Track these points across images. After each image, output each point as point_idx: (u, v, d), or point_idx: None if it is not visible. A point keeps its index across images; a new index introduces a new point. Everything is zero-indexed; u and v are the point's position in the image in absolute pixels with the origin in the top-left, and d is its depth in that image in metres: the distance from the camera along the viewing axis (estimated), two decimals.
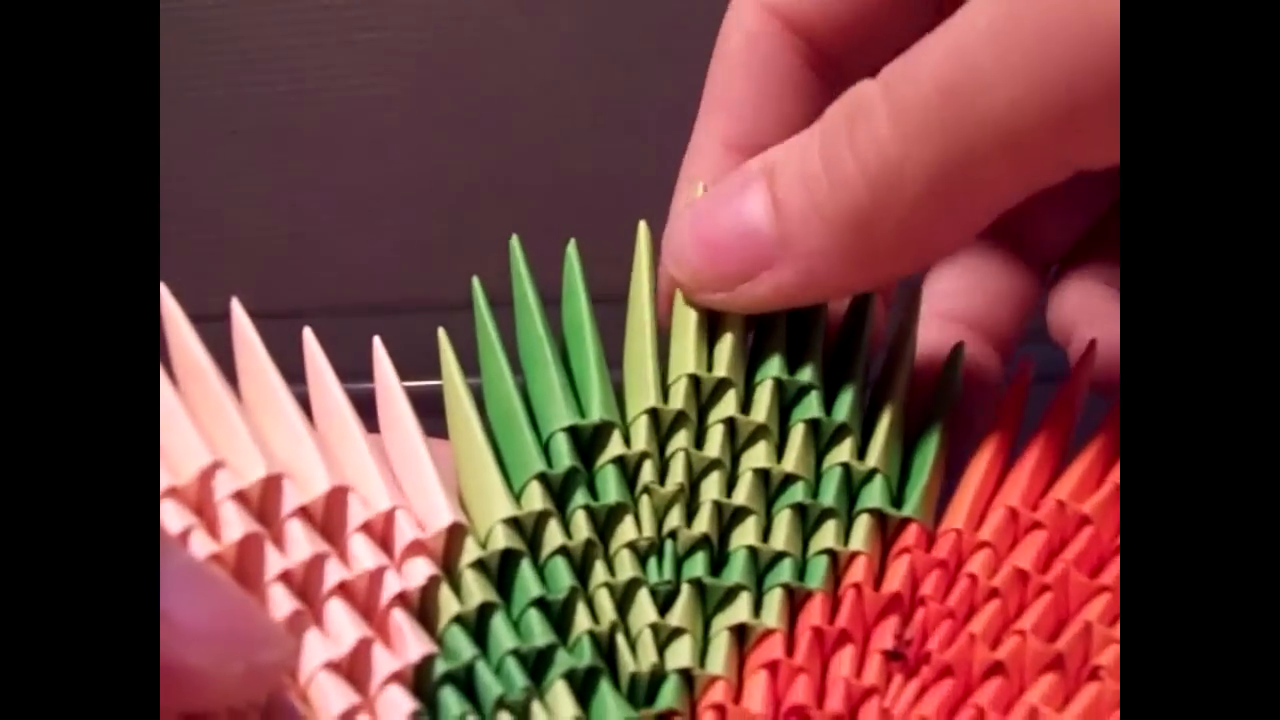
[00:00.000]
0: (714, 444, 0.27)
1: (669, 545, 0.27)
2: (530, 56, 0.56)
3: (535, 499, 0.26)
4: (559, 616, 0.26)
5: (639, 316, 0.28)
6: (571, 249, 0.29)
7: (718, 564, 0.27)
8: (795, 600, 0.27)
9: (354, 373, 0.28)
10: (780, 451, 0.28)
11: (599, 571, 0.26)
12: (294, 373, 0.27)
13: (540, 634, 0.25)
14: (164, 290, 0.26)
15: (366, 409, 0.27)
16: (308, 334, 0.27)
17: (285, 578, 0.24)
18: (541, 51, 0.56)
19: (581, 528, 0.26)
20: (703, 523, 0.27)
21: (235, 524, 0.24)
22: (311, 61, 0.57)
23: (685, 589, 0.26)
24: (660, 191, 0.30)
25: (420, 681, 0.24)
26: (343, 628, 0.24)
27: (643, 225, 0.29)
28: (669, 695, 0.25)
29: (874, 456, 0.28)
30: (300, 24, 0.56)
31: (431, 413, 0.28)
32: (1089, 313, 0.31)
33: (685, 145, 0.31)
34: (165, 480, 0.24)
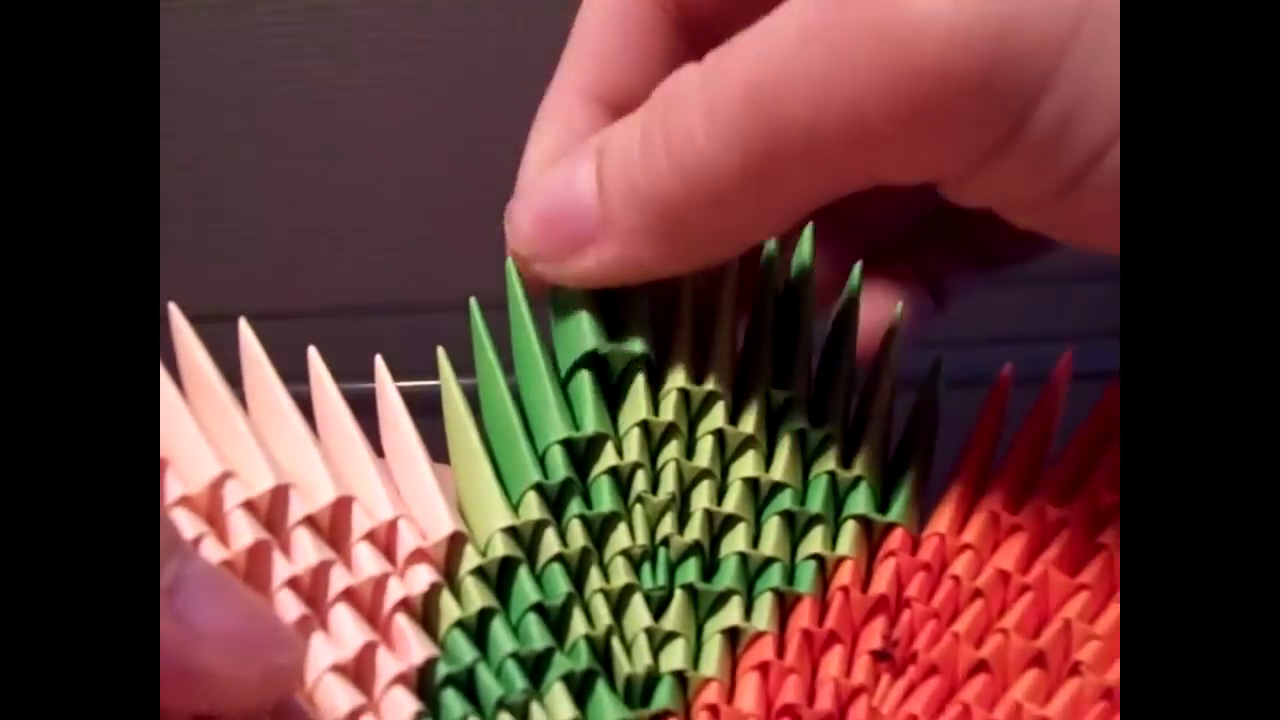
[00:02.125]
0: (704, 454, 0.28)
1: (662, 552, 0.27)
2: (530, 57, 0.56)
3: (532, 509, 0.27)
4: (556, 621, 0.26)
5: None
6: None
7: (709, 570, 0.28)
8: (785, 604, 0.27)
9: (354, 373, 0.28)
10: (768, 461, 0.28)
11: (594, 578, 0.27)
12: (294, 373, 0.27)
13: (538, 638, 0.26)
14: (173, 307, 0.27)
15: (366, 410, 0.28)
16: (312, 352, 0.28)
17: (293, 584, 0.25)
18: (541, 52, 0.56)
19: (577, 536, 0.27)
20: (694, 530, 0.27)
21: (245, 532, 0.25)
22: (311, 62, 0.57)
23: (678, 594, 0.27)
24: None
25: (423, 684, 0.25)
26: (348, 632, 0.25)
27: None
28: (664, 696, 0.26)
29: (859, 464, 0.29)
30: (300, 24, 0.56)
31: (431, 412, 0.29)
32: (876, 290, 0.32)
33: None
34: (176, 489, 0.25)
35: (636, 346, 0.28)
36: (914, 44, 0.23)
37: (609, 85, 0.30)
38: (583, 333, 0.28)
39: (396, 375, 0.28)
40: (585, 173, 0.27)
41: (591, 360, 0.28)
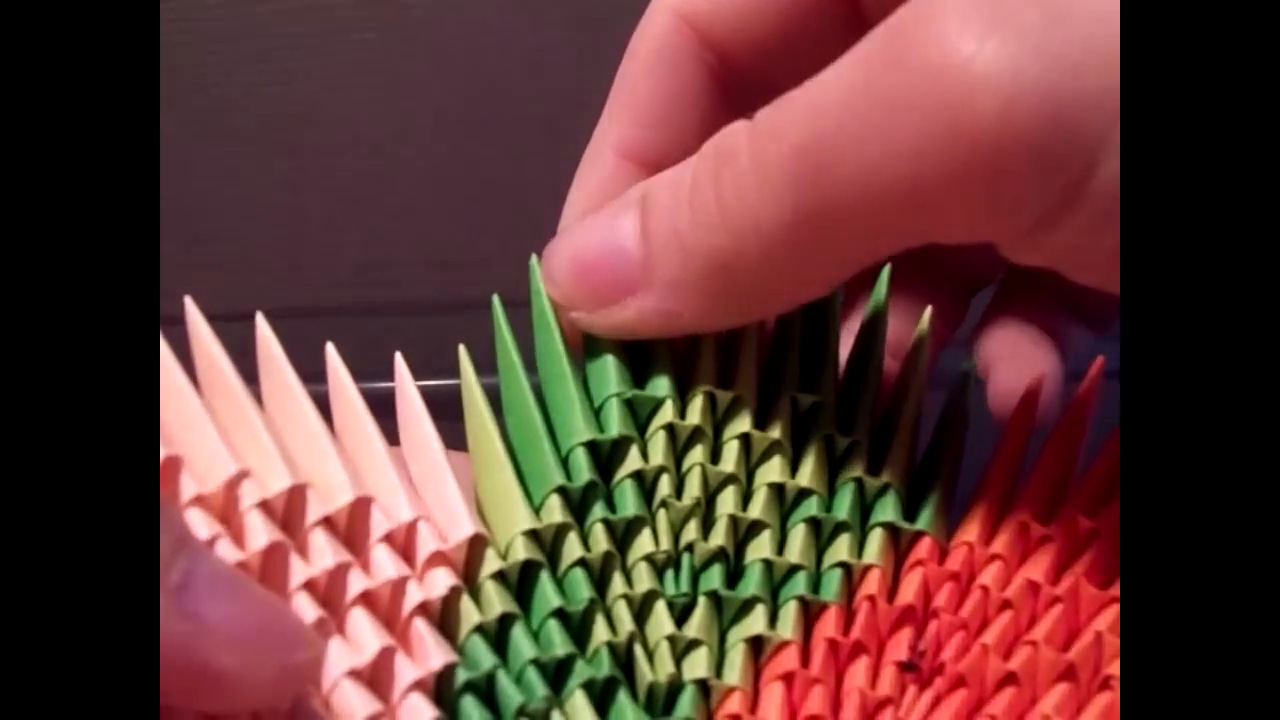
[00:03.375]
0: (730, 459, 0.28)
1: (686, 558, 0.27)
2: (531, 56, 0.56)
3: (555, 512, 0.26)
4: (578, 627, 0.26)
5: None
6: None
7: (734, 577, 0.27)
8: (810, 612, 0.27)
9: (353, 373, 0.28)
10: (795, 467, 0.28)
11: (617, 583, 0.26)
12: (299, 373, 0.27)
13: (560, 644, 0.25)
14: (189, 303, 0.26)
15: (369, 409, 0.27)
16: (330, 349, 0.27)
17: (309, 586, 0.24)
18: (542, 51, 0.56)
19: (600, 540, 0.27)
20: (719, 536, 0.27)
21: (260, 533, 0.24)
22: (311, 61, 0.57)
23: (702, 601, 0.27)
24: None
25: (441, 690, 0.25)
26: (365, 636, 0.24)
27: None
28: (686, 705, 0.26)
29: (887, 472, 0.28)
30: (300, 24, 0.56)
31: (433, 413, 0.28)
32: (1010, 352, 0.31)
33: None
34: (192, 489, 0.24)
35: (660, 390, 0.28)
36: (970, 104, 0.22)
37: (648, 145, 0.30)
38: (608, 376, 0.28)
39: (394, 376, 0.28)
40: (628, 222, 0.27)
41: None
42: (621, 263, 0.27)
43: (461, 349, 0.28)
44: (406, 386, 0.27)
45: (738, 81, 0.30)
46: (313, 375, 0.27)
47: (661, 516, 0.27)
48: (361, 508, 0.25)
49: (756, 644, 0.27)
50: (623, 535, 0.27)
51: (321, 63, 0.57)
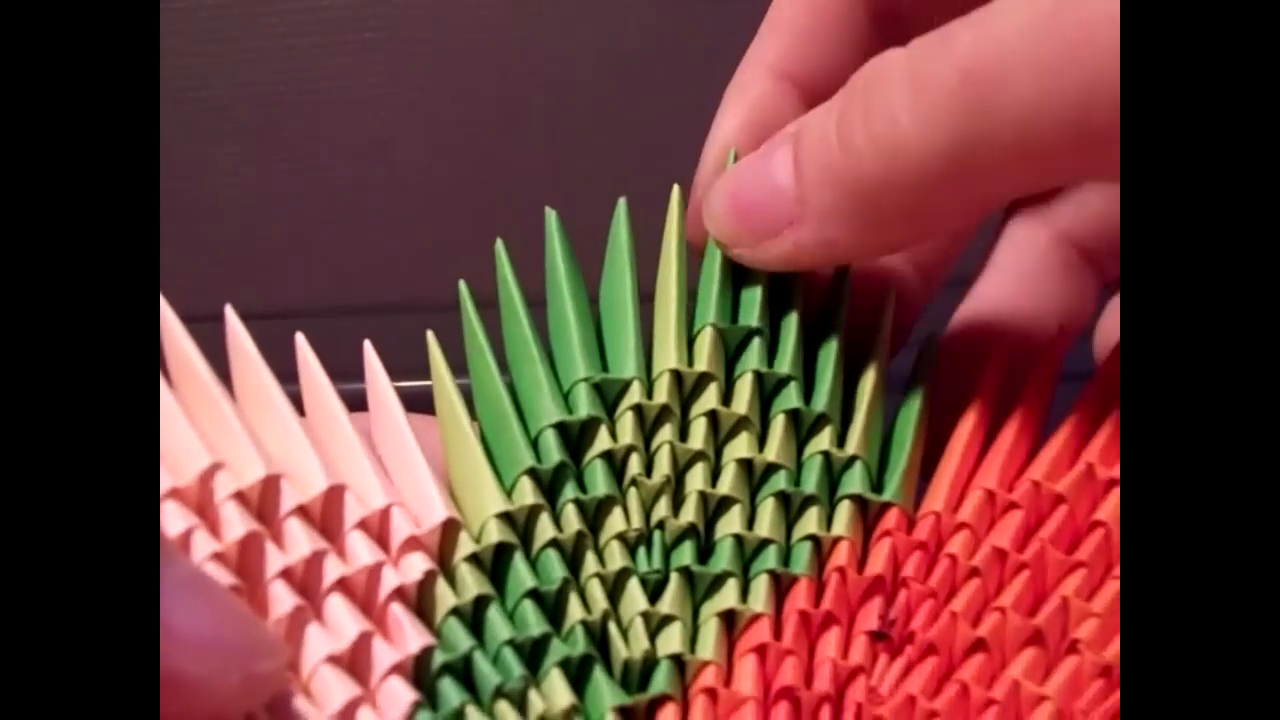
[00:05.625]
0: (698, 436, 0.28)
1: (657, 535, 0.27)
2: (529, 57, 0.57)
3: (526, 494, 0.27)
4: (552, 607, 0.26)
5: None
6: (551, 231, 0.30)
7: (705, 552, 0.28)
8: (781, 585, 0.27)
9: (352, 373, 0.28)
10: (762, 442, 0.28)
11: (590, 562, 0.27)
12: (292, 373, 0.27)
13: (535, 624, 0.26)
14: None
15: (365, 409, 0.28)
16: (300, 339, 0.28)
17: (286, 575, 0.25)
18: (540, 52, 0.56)
19: (572, 520, 0.27)
20: (689, 513, 0.27)
21: (236, 523, 0.25)
22: (311, 61, 0.57)
23: (674, 577, 0.27)
24: (660, 193, 0.31)
25: (420, 673, 0.25)
26: (343, 622, 0.25)
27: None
28: (661, 681, 0.26)
29: (853, 444, 0.28)
30: (300, 24, 0.57)
31: (429, 412, 0.29)
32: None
33: (684, 147, 0.31)
34: (166, 482, 0.25)
35: (627, 370, 0.28)
36: None
37: (803, 66, 0.30)
38: (574, 359, 0.28)
39: (394, 375, 0.28)
40: (781, 157, 0.27)
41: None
42: (777, 197, 0.27)
43: (430, 336, 0.29)
44: (376, 375, 0.28)
45: (891, 15, 0.30)
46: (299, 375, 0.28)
47: (632, 495, 0.27)
48: (336, 496, 0.26)
49: (729, 618, 0.27)
50: (594, 515, 0.27)
51: (322, 63, 0.57)
